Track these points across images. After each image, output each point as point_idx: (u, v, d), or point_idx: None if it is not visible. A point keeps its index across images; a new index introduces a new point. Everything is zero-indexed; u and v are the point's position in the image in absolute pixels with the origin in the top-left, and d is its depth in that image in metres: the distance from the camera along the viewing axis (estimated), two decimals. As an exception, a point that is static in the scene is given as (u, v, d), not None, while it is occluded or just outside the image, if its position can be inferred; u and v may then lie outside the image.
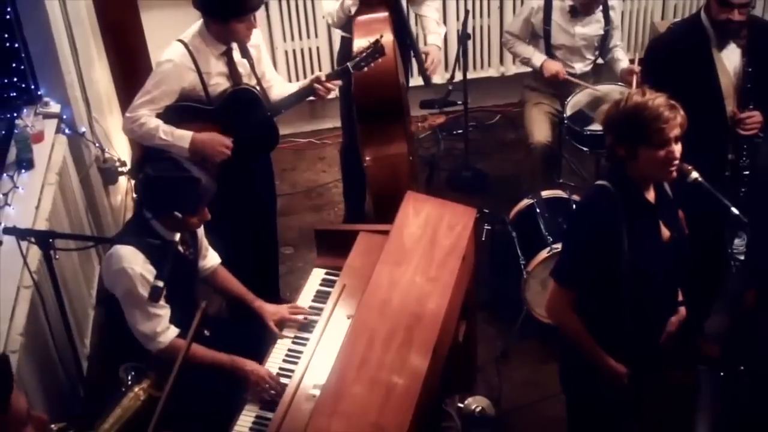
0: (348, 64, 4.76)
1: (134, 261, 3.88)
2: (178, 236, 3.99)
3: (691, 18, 4.67)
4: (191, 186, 3.95)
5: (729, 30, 4.45)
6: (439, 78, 6.90)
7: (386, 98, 5.07)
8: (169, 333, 3.99)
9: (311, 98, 4.87)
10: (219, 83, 4.70)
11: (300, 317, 4.26)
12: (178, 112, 4.66)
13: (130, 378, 3.69)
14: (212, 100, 4.69)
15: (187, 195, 3.96)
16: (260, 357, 4.08)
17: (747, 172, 4.61)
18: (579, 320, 3.59)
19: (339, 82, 4.84)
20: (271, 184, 5.33)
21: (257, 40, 4.85)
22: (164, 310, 3.98)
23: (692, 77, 4.41)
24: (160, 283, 3.73)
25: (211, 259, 4.47)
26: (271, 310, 4.32)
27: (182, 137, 4.61)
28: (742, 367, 4.54)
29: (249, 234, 5.14)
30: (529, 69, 6.17)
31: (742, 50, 4.50)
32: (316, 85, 4.75)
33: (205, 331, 4.21)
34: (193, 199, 3.98)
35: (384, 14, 5.17)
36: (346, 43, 5.37)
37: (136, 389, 3.53)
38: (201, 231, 4.34)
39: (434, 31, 5.80)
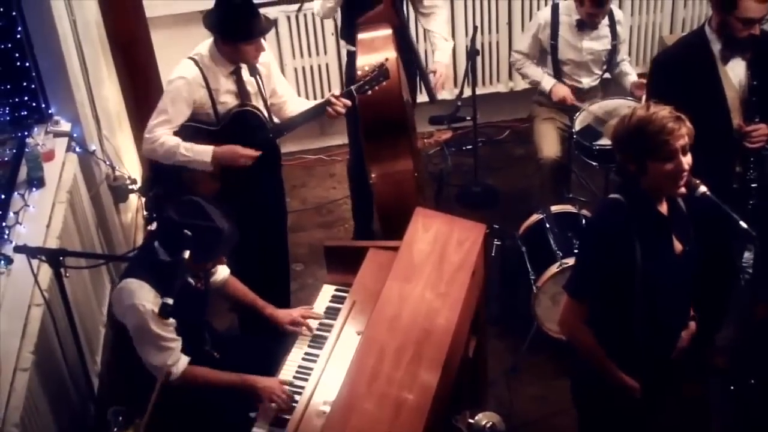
0: (351, 87, 4.79)
1: (144, 297, 3.88)
2: (187, 253, 3.99)
3: (695, 33, 4.65)
4: (215, 236, 3.93)
5: (746, 44, 4.42)
6: (448, 94, 6.92)
7: (390, 116, 5.08)
8: (180, 364, 3.99)
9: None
10: (227, 101, 4.73)
11: (313, 323, 4.28)
12: (181, 133, 4.70)
13: (117, 423, 3.72)
14: (220, 118, 4.72)
15: (210, 244, 3.94)
16: (272, 373, 4.08)
17: (755, 185, 4.60)
18: (591, 334, 3.59)
19: (349, 103, 4.84)
20: (281, 201, 5.35)
21: (267, 58, 4.88)
22: (175, 343, 3.98)
23: (698, 91, 4.39)
24: (170, 301, 3.72)
25: (221, 272, 4.47)
26: (283, 314, 4.35)
27: (203, 152, 4.65)
28: (752, 381, 4.53)
29: (260, 251, 5.15)
30: (539, 84, 6.20)
31: (746, 63, 4.49)
32: (332, 100, 4.77)
33: (215, 354, 4.23)
34: (215, 249, 3.99)
35: (387, 31, 5.18)
36: (353, 58, 5.39)
37: None
38: None
39: (441, 47, 5.81)
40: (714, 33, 4.47)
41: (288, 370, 4.10)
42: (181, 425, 4.13)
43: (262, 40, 4.69)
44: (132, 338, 3.96)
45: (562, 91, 5.88)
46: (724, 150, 4.47)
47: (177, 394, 3.94)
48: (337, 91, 4.84)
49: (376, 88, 4.79)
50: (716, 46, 4.46)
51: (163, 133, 4.64)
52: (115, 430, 3.75)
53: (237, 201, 4.81)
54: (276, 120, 4.95)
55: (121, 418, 3.81)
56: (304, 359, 4.15)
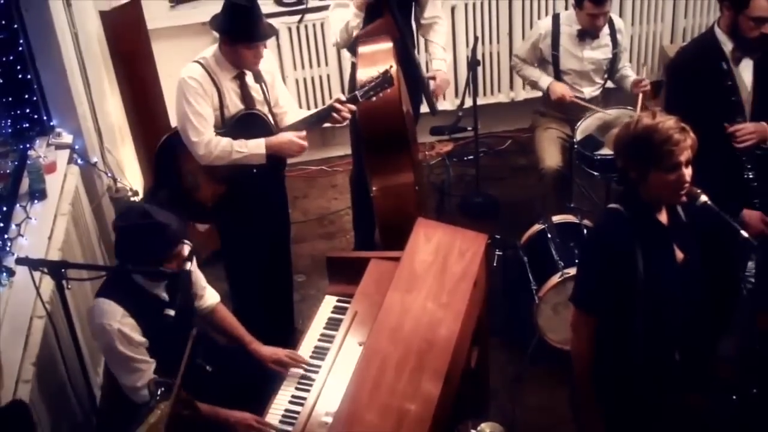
0: (357, 92, 4.79)
1: (112, 316, 3.86)
2: (189, 265, 3.99)
3: (706, 35, 4.62)
4: (158, 232, 3.86)
5: (756, 45, 4.39)
6: (449, 104, 6.93)
7: (391, 128, 5.09)
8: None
9: (326, 124, 4.90)
10: (232, 104, 4.74)
11: (298, 370, 4.19)
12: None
13: (159, 393, 3.72)
14: (225, 121, 4.73)
15: (156, 242, 3.87)
16: (271, 385, 4.09)
17: (755, 184, 4.57)
18: (591, 357, 3.59)
19: (354, 108, 4.84)
20: (285, 210, 5.36)
21: (271, 66, 4.91)
22: (147, 365, 3.95)
23: (714, 92, 4.39)
24: (171, 312, 3.73)
25: (208, 298, 4.45)
26: (268, 353, 4.29)
27: (257, 145, 4.68)
28: (755, 390, 4.52)
29: (264, 262, 5.15)
30: (539, 94, 6.21)
31: (754, 63, 4.49)
32: (337, 105, 4.76)
33: (207, 367, 4.21)
34: (162, 244, 3.89)
35: (388, 44, 5.19)
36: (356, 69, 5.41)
37: (162, 406, 3.53)
38: (197, 273, 4.34)
39: (440, 57, 5.83)
40: (724, 34, 4.46)
41: (290, 382, 4.10)
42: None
43: (265, 49, 4.70)
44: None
45: (560, 89, 5.88)
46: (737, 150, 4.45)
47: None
48: (341, 96, 4.85)
49: (381, 94, 4.79)
50: (728, 47, 4.45)
51: (210, 133, 4.64)
52: (158, 397, 3.76)
53: (242, 208, 4.84)
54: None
55: (162, 389, 3.82)
56: (306, 370, 4.15)
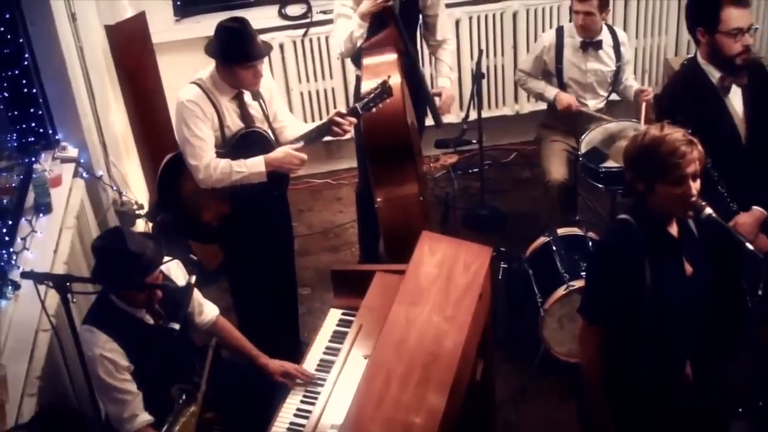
0: (357, 105, 4.80)
1: (94, 344, 3.84)
2: (194, 279, 3.98)
3: (690, 67, 4.55)
4: (131, 261, 3.81)
5: (744, 62, 4.36)
6: (453, 117, 6.94)
7: (395, 140, 5.10)
8: (136, 421, 3.90)
9: (327, 138, 4.90)
10: (232, 124, 4.74)
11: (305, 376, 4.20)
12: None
13: (181, 401, 3.73)
14: (226, 140, 4.73)
15: (127, 270, 3.81)
16: (276, 398, 4.09)
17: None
18: (600, 365, 3.58)
19: (354, 120, 4.84)
20: (288, 225, 5.36)
21: (268, 82, 4.91)
22: (131, 396, 3.90)
23: (708, 124, 4.27)
24: (176, 326, 3.72)
25: (208, 312, 4.42)
26: (275, 365, 4.28)
27: (256, 164, 4.67)
28: (761, 402, 4.51)
29: (268, 275, 5.15)
30: (544, 107, 6.22)
31: (742, 90, 4.43)
32: (337, 119, 4.76)
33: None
34: (134, 273, 3.82)
35: (393, 56, 5.21)
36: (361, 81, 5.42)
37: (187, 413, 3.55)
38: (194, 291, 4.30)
39: (446, 75, 5.88)
40: (708, 63, 4.41)
41: (295, 395, 4.10)
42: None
43: (261, 67, 4.70)
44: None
45: (566, 99, 5.89)
46: (737, 172, 4.42)
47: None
48: (341, 110, 4.85)
49: (380, 105, 4.80)
50: (715, 76, 4.41)
51: (211, 157, 4.64)
52: (181, 402, 3.76)
53: (246, 225, 4.84)
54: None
55: (184, 396, 3.82)
56: (311, 383, 4.15)
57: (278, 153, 4.73)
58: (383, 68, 5.09)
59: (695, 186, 3.35)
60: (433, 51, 5.93)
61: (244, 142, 4.75)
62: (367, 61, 5.25)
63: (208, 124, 4.64)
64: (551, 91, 5.97)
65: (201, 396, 3.59)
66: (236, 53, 4.59)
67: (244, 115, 4.77)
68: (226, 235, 4.97)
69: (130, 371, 3.90)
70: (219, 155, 4.68)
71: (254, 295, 5.11)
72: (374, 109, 4.80)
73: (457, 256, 4.31)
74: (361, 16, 5.30)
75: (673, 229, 3.50)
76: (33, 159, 5.12)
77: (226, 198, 4.78)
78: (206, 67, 4.75)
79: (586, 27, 5.79)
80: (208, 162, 4.62)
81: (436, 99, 5.78)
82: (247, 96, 4.77)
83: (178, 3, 6.79)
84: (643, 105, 5.71)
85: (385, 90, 4.76)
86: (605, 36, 5.89)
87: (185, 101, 4.62)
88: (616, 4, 7.04)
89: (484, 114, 6.62)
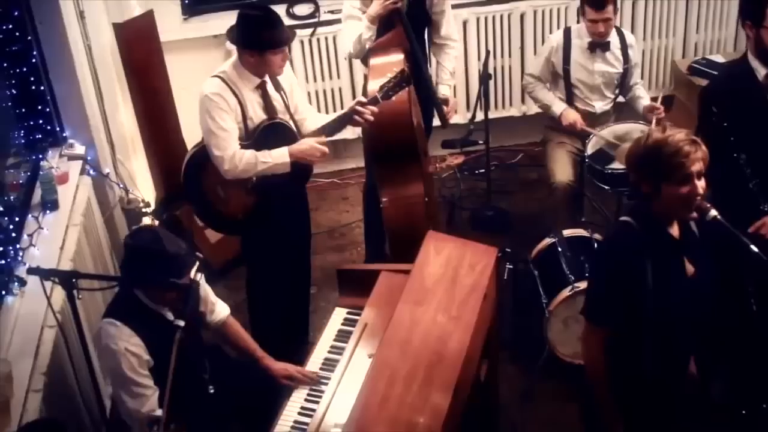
0: (377, 94, 4.80)
1: (118, 337, 3.85)
2: (199, 276, 3.99)
3: (739, 63, 4.53)
4: (169, 260, 3.84)
5: None
6: (460, 118, 6.94)
7: (401, 140, 5.11)
8: (154, 416, 3.92)
9: (341, 135, 4.91)
10: (255, 115, 4.77)
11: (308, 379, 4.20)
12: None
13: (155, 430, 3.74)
14: (249, 132, 4.75)
15: (166, 269, 3.84)
16: (280, 398, 4.09)
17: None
18: (606, 367, 3.58)
19: (375, 109, 4.83)
20: (307, 220, 5.41)
21: (288, 74, 4.95)
22: (150, 391, 3.93)
23: (750, 122, 4.30)
24: (181, 323, 3.72)
25: (220, 311, 4.44)
26: (279, 368, 4.28)
27: (281, 155, 4.72)
28: (765, 405, 4.51)
29: (287, 269, 5.19)
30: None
31: None
32: (358, 108, 4.78)
33: (210, 388, 4.19)
34: (174, 272, 3.85)
35: (399, 56, 5.22)
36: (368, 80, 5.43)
37: None
38: (205, 287, 4.32)
39: (446, 82, 5.90)
40: (756, 59, 4.39)
41: (299, 393, 4.10)
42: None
43: (288, 50, 4.74)
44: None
45: (572, 116, 5.87)
46: None
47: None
48: (362, 98, 4.87)
49: (399, 92, 4.83)
50: (761, 73, 4.38)
51: (235, 148, 4.66)
52: None
53: (269, 219, 4.85)
54: None
55: (156, 428, 3.83)
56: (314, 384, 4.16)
57: (303, 144, 4.77)
58: (390, 68, 5.10)
59: (701, 185, 3.36)
60: (436, 52, 5.93)
61: (268, 133, 4.78)
62: (374, 61, 5.26)
63: (231, 115, 4.67)
64: (558, 107, 5.95)
65: (165, 407, 3.59)
66: (265, 39, 4.62)
67: (267, 106, 4.80)
68: (252, 226, 4.98)
69: (149, 366, 3.93)
70: (243, 147, 4.70)
71: (271, 288, 5.12)
72: (394, 98, 4.82)
73: (463, 257, 4.31)
74: (371, 18, 5.32)
75: (674, 230, 3.50)
76: (40, 156, 5.14)
77: (252, 190, 4.81)
78: (213, 65, 4.77)
79: (607, 32, 5.79)
80: (232, 153, 4.64)
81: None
82: (270, 87, 4.79)
83: (186, 2, 6.79)
84: (653, 123, 5.64)
85: (404, 78, 4.79)
86: (613, 38, 5.86)
87: (209, 94, 4.65)
88: (623, 5, 7.03)
89: (491, 115, 6.61)
